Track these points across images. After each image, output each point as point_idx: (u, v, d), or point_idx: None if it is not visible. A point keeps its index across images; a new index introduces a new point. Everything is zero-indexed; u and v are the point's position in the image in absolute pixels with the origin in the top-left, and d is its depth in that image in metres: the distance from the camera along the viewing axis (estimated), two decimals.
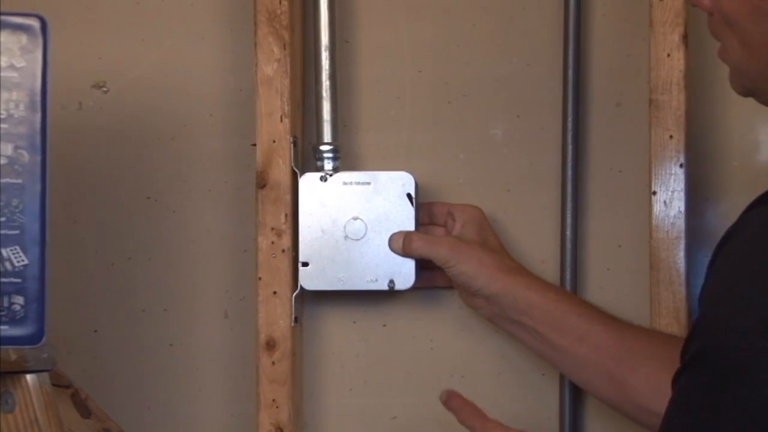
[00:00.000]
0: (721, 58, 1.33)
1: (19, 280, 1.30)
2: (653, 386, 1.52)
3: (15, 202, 1.30)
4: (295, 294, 1.63)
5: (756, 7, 1.25)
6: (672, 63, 1.60)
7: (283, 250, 1.63)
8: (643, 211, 1.62)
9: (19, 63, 1.30)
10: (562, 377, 1.65)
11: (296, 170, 1.63)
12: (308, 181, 1.63)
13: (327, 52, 1.65)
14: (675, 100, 1.60)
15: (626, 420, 1.60)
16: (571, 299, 1.62)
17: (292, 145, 1.63)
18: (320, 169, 1.64)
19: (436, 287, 1.67)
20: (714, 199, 1.68)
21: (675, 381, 1.21)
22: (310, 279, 1.63)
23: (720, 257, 1.19)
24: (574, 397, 1.66)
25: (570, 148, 1.67)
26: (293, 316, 1.63)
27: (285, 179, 1.63)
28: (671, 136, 1.60)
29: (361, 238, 1.63)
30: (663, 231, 1.61)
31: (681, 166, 1.60)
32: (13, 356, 1.29)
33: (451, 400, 1.57)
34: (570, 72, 1.67)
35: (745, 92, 1.33)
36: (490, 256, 1.61)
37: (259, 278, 1.63)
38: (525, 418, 1.68)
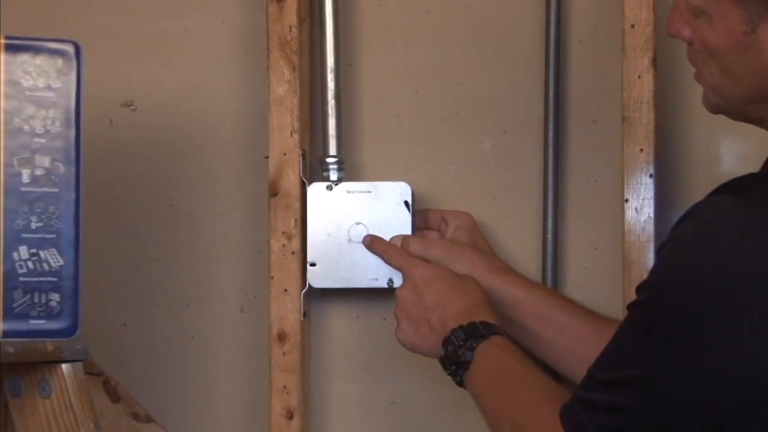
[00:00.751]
0: (697, 80, 1.33)
1: (55, 279, 1.30)
2: None
3: (52, 209, 1.30)
4: (303, 291, 1.63)
5: (739, 40, 1.25)
6: (642, 84, 1.60)
7: (293, 252, 1.63)
8: (617, 217, 1.61)
9: (56, 84, 1.31)
10: (544, 365, 1.63)
11: (305, 180, 1.63)
12: (315, 190, 1.63)
13: (332, 74, 1.65)
14: (645, 117, 1.60)
15: None
16: (552, 295, 1.63)
17: (301, 157, 1.63)
18: (326, 179, 1.64)
19: None
20: (680, 206, 1.66)
21: (629, 307, 1.28)
22: (317, 278, 1.63)
23: (679, 228, 1.23)
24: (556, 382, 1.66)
25: (550, 160, 1.66)
26: (302, 311, 1.63)
27: (294, 188, 1.63)
28: (642, 150, 1.60)
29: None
30: (634, 235, 1.60)
31: (651, 176, 1.60)
32: (50, 347, 1.30)
33: (374, 244, 1.62)
34: (550, 92, 1.66)
35: (717, 111, 1.33)
36: (479, 257, 1.60)
37: (272, 277, 1.63)
38: None
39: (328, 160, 1.65)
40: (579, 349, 1.56)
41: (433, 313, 1.47)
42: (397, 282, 1.61)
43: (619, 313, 1.59)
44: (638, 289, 1.28)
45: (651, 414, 1.20)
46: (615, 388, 1.24)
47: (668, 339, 1.19)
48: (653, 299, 1.24)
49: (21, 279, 1.29)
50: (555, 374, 1.64)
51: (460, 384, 1.45)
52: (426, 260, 1.60)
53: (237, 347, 1.71)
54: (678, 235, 1.23)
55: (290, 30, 1.62)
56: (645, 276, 1.57)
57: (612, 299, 1.63)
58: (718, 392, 1.17)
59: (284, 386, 1.62)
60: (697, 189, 1.66)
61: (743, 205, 1.19)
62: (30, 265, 1.29)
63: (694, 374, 1.18)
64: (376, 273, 1.63)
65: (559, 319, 1.58)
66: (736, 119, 1.34)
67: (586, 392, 1.26)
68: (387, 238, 1.62)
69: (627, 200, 1.60)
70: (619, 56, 1.61)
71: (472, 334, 1.43)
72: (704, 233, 1.20)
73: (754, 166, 1.31)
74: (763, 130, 1.32)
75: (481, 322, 1.43)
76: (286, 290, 1.63)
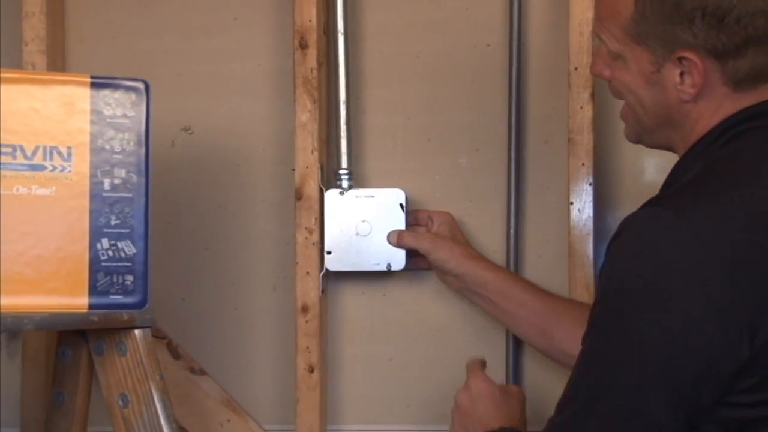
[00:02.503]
0: (621, 116, 1.32)
1: (129, 264, 1.30)
2: (571, 337, 1.49)
3: (127, 210, 1.30)
4: (321, 273, 1.63)
5: (648, 78, 1.24)
6: (584, 113, 1.59)
7: (314, 243, 1.63)
8: (564, 216, 1.61)
9: (130, 113, 1.31)
10: (507, 331, 1.64)
11: (322, 187, 1.63)
12: (331, 195, 1.63)
13: (344, 105, 1.64)
14: (586, 139, 1.59)
15: (551, 361, 1.60)
16: (514, 277, 1.62)
17: (319, 170, 1.63)
18: (339, 186, 1.64)
19: (420, 269, 1.65)
20: (613, 208, 1.66)
21: (584, 339, 1.20)
22: (332, 263, 1.63)
23: (611, 249, 1.17)
24: (516, 345, 1.65)
25: (512, 172, 1.65)
26: (321, 289, 1.63)
27: (315, 194, 1.63)
28: (583, 164, 1.59)
29: (368, 234, 1.62)
30: (578, 230, 1.60)
31: (590, 184, 1.59)
32: (126, 317, 1.30)
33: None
34: (512, 119, 1.65)
35: (636, 140, 1.32)
36: (458, 247, 1.60)
37: (297, 263, 1.63)
38: None
39: (341, 171, 1.64)
40: (532, 319, 1.56)
41: (478, 424, 1.40)
42: (394, 266, 1.61)
43: (566, 290, 1.61)
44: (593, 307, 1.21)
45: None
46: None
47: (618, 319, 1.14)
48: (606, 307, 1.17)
49: (103, 264, 1.29)
50: (515, 338, 1.64)
51: None
52: (416, 249, 1.60)
53: (270, 317, 1.71)
54: (615, 250, 1.16)
55: (311, 71, 1.63)
56: (586, 261, 1.59)
57: (561, 280, 1.63)
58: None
59: (307, 347, 1.62)
60: (626, 194, 1.66)
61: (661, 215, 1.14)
62: (110, 253, 1.29)
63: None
64: (377, 259, 1.62)
65: (518, 295, 1.57)
66: (650, 147, 1.33)
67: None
68: (386, 232, 1.61)
69: (572, 203, 1.60)
70: (566, 91, 1.60)
71: None
72: (635, 243, 1.15)
73: None
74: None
75: (502, 428, 1.37)
76: (308, 272, 1.63)
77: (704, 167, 1.19)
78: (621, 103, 1.32)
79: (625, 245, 1.15)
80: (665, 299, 1.11)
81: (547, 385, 1.65)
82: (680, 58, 1.20)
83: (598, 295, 1.21)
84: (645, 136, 1.30)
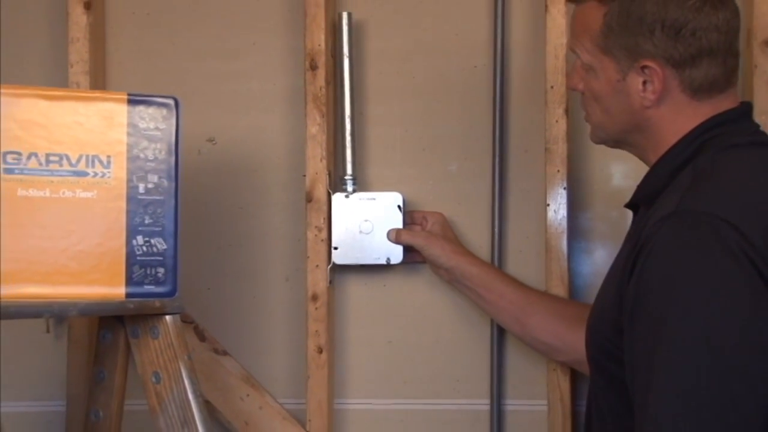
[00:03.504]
0: (586, 120, 1.32)
1: (161, 258, 1.30)
2: (541, 326, 1.53)
3: (159, 210, 1.30)
4: (329, 266, 1.62)
5: (614, 86, 1.24)
6: (559, 126, 1.59)
7: (322, 240, 1.62)
8: (542, 216, 1.61)
9: (162, 126, 1.31)
10: (491, 320, 1.64)
11: (330, 191, 1.63)
12: (337, 198, 1.63)
13: (349, 119, 1.64)
14: (560, 149, 1.59)
15: (524, 345, 1.60)
16: (497, 271, 1.62)
17: (327, 176, 1.63)
18: (344, 190, 1.63)
19: (416, 262, 1.65)
20: (584, 209, 1.66)
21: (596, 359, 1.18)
22: (338, 257, 1.62)
23: (648, 263, 1.11)
24: (499, 329, 1.65)
25: (497, 177, 1.65)
26: (328, 280, 1.62)
27: (323, 197, 1.62)
28: (558, 171, 1.59)
29: (370, 232, 1.62)
30: (554, 228, 1.60)
31: (564, 188, 1.59)
32: (158, 304, 1.30)
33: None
34: (497, 131, 1.65)
35: (600, 142, 1.32)
36: (448, 243, 1.60)
37: (308, 257, 1.62)
38: (468, 342, 1.67)
39: (346, 177, 1.64)
40: (509, 308, 1.56)
41: None
42: (393, 260, 1.61)
43: (542, 283, 1.61)
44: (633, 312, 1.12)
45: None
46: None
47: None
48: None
49: (138, 258, 1.29)
50: (497, 325, 1.63)
51: None
52: (412, 246, 1.60)
53: (284, 304, 1.70)
54: (651, 261, 1.10)
55: (320, 89, 1.62)
56: (561, 256, 1.59)
57: (538, 273, 1.63)
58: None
59: (316, 330, 1.62)
60: (596, 197, 1.66)
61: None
62: (144, 248, 1.29)
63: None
64: (378, 254, 1.62)
65: (499, 287, 1.56)
66: (612, 147, 1.32)
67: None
68: (386, 230, 1.61)
69: (548, 205, 1.60)
70: (543, 107, 1.60)
71: None
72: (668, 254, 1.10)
73: (633, 182, 1.29)
74: (637, 159, 1.30)
75: None
76: (317, 266, 1.62)
77: (691, 180, 1.17)
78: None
79: (662, 257, 1.10)
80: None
81: (525, 364, 1.65)
82: (643, 67, 1.21)
83: (635, 309, 1.11)
84: (608, 138, 1.30)
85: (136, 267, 1.28)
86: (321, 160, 1.62)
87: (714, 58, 1.20)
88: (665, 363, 1.06)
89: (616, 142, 1.30)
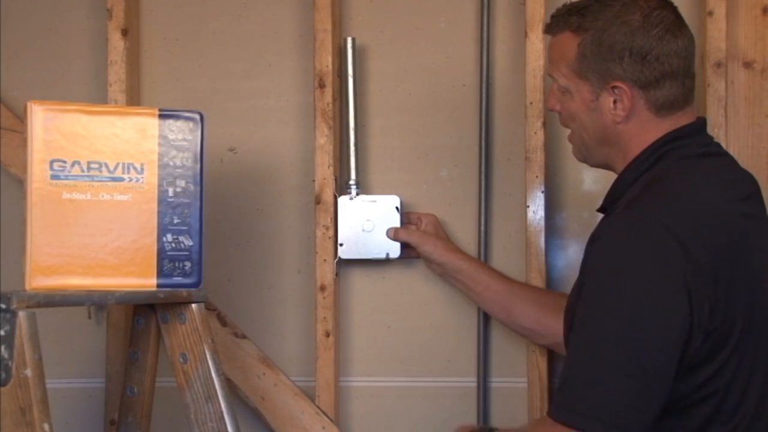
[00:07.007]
0: (569, 140, 1.32)
1: (188, 253, 1.30)
2: (525, 313, 1.53)
3: (186, 211, 1.31)
4: (335, 261, 1.62)
5: (588, 105, 1.24)
6: (537, 137, 1.59)
7: (329, 237, 1.62)
8: (522, 216, 1.60)
9: (188, 137, 1.31)
10: (478, 308, 1.64)
11: (336, 194, 1.63)
12: (343, 201, 1.62)
13: (353, 131, 1.63)
14: (539, 157, 1.59)
15: (507, 329, 1.60)
16: (483, 266, 1.60)
17: (334, 181, 1.62)
18: (349, 193, 1.63)
19: (412, 257, 1.63)
20: (559, 210, 1.66)
21: (569, 314, 1.20)
22: (344, 252, 1.62)
23: (594, 248, 1.15)
24: (485, 317, 1.65)
25: (483, 182, 1.65)
26: (335, 272, 1.62)
27: (330, 199, 1.62)
28: (537, 176, 1.59)
29: (371, 230, 1.61)
30: (533, 227, 1.59)
31: (542, 192, 1.59)
32: (185, 294, 1.31)
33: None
34: (483, 142, 1.65)
35: (582, 160, 1.32)
36: (440, 241, 1.59)
37: (317, 252, 1.62)
38: (457, 327, 1.66)
39: (350, 182, 1.64)
40: (495, 298, 1.55)
41: None
42: (392, 255, 1.60)
43: (523, 274, 1.60)
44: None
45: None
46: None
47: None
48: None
49: (168, 253, 1.29)
50: (484, 313, 1.63)
51: None
52: (408, 243, 1.59)
53: (296, 294, 1.69)
54: (593, 255, 1.15)
55: (328, 105, 1.62)
56: (539, 251, 1.57)
57: (520, 266, 1.62)
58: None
59: (324, 317, 1.62)
60: (570, 200, 1.65)
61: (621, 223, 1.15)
62: (173, 245, 1.29)
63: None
64: (378, 249, 1.61)
65: (486, 280, 1.56)
66: (593, 166, 1.32)
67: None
68: (385, 229, 1.61)
69: (528, 206, 1.60)
70: (523, 120, 1.60)
71: None
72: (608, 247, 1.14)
73: (602, 187, 1.29)
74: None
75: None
76: (325, 260, 1.62)
77: (645, 184, 1.20)
78: (567, 130, 1.32)
79: (606, 243, 1.14)
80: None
81: (508, 346, 1.64)
82: (613, 87, 1.22)
83: (583, 282, 1.17)
84: (589, 156, 1.30)
85: (166, 261, 1.29)
86: (328, 167, 1.63)
87: (675, 79, 1.21)
88: (588, 325, 1.13)
89: (597, 162, 1.31)
